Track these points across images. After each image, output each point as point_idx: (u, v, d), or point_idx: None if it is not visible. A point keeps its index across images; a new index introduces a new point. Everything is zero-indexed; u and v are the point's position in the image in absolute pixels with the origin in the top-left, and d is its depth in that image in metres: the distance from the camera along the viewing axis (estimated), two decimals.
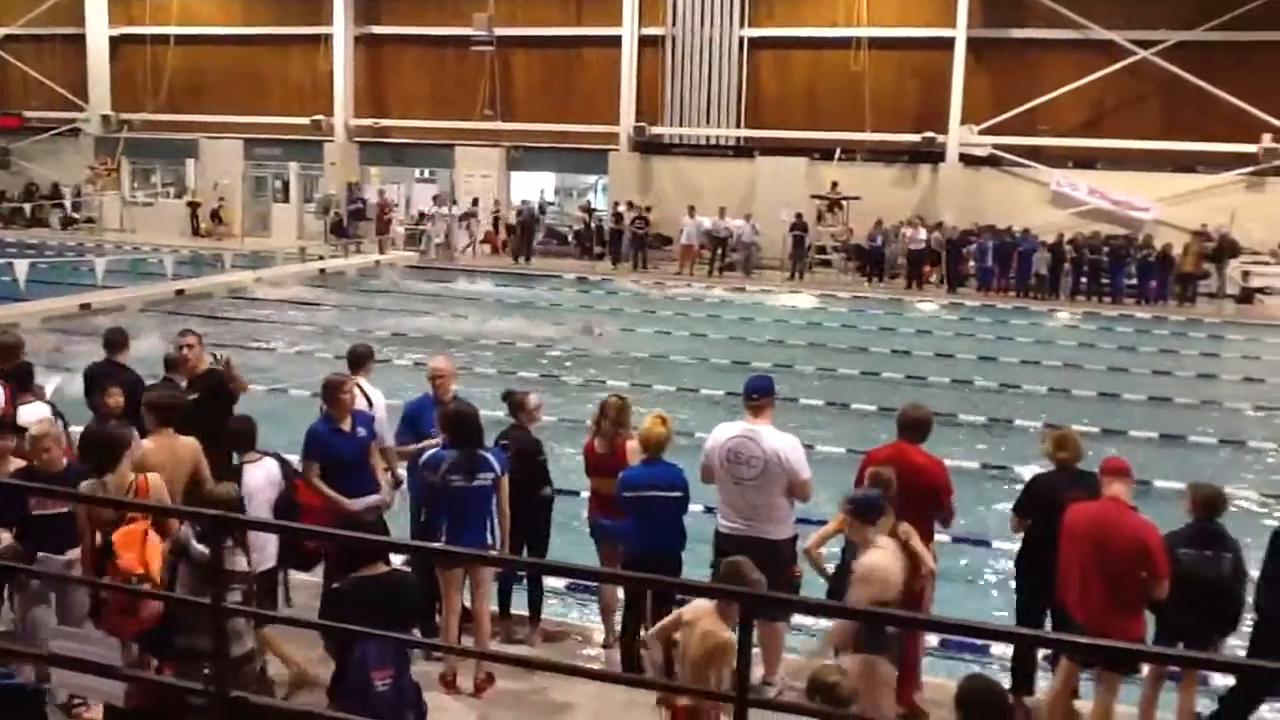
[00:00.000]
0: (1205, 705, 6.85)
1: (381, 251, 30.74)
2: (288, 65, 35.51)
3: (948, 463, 11.86)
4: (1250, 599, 6.53)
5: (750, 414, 7.08)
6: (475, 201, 32.20)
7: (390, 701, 5.18)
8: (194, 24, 35.80)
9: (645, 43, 32.14)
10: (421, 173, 36.50)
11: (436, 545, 6.83)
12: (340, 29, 34.28)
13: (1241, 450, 13.89)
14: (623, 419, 7.65)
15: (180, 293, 23.23)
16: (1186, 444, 14.08)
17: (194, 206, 34.79)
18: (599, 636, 7.96)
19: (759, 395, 7.08)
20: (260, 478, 6.94)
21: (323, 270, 27.71)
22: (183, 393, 8.04)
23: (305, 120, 34.52)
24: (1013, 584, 7.40)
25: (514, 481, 7.28)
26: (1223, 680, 6.99)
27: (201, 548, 5.51)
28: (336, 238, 31.37)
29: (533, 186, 35.80)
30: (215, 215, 34.64)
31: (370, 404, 8.06)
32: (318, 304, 23.35)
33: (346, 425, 7.55)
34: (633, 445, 7.39)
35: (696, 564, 7.21)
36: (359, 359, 8.46)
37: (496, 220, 32.11)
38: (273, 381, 15.51)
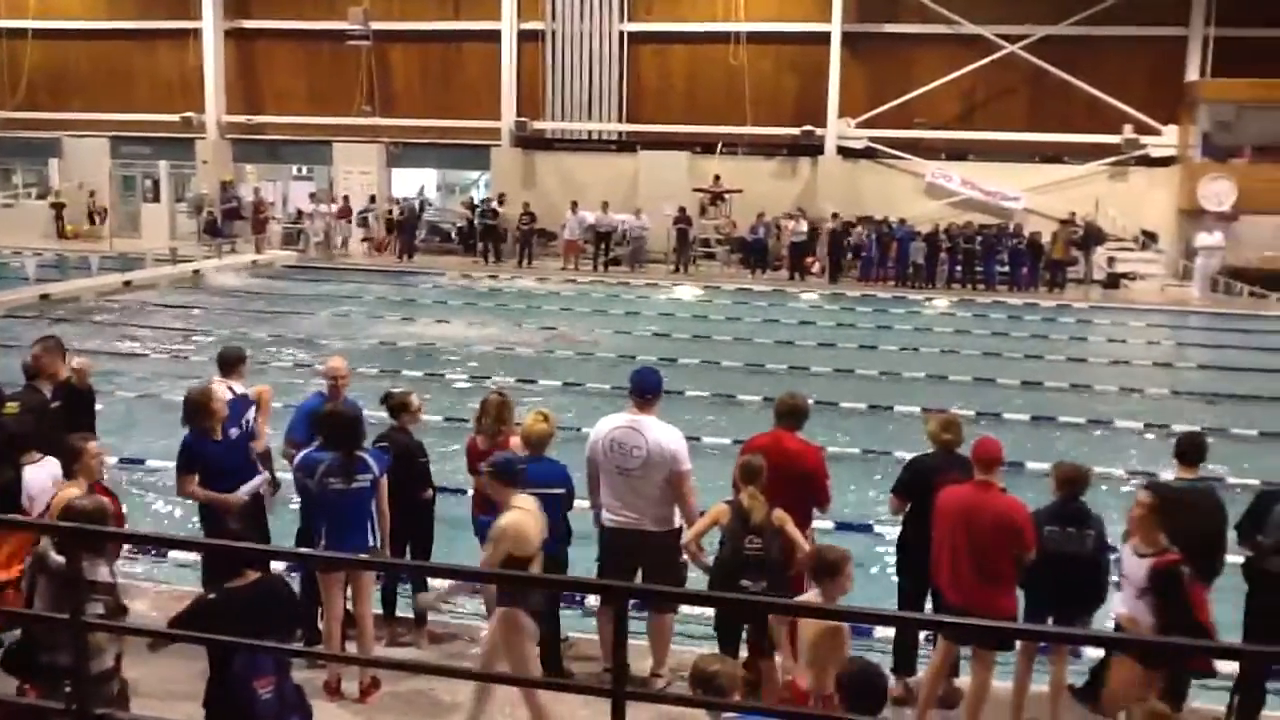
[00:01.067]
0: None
1: (258, 251, 29.99)
2: (155, 60, 34.37)
3: (831, 450, 12.16)
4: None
5: (636, 407, 7.08)
6: (372, 199, 31.67)
7: (274, 709, 5.07)
8: (54, 17, 34.39)
9: (525, 37, 31.97)
10: (299, 170, 35.74)
11: (311, 551, 6.70)
12: (209, 23, 33.31)
13: (1108, 430, 14.40)
14: (505, 416, 7.57)
15: (45, 297, 22.31)
16: (1057, 425, 14.55)
17: (58, 208, 33.41)
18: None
19: (650, 393, 7.09)
20: (42, 477, 6.71)
21: (196, 272, 26.90)
22: (46, 399, 7.77)
23: (175, 117, 33.48)
24: (894, 567, 7.55)
25: (396, 483, 7.17)
26: (1093, 653, 7.24)
27: (59, 558, 5.28)
28: (210, 238, 30.48)
29: (414, 183, 35.35)
30: (92, 216, 33.29)
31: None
32: (191, 306, 22.67)
33: (218, 434, 7.34)
34: (515, 442, 7.32)
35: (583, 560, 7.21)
36: (229, 362, 8.22)
37: (374, 216, 31.56)
38: (144, 387, 15.00)
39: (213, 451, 7.27)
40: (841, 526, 10.27)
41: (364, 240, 31.31)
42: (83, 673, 4.34)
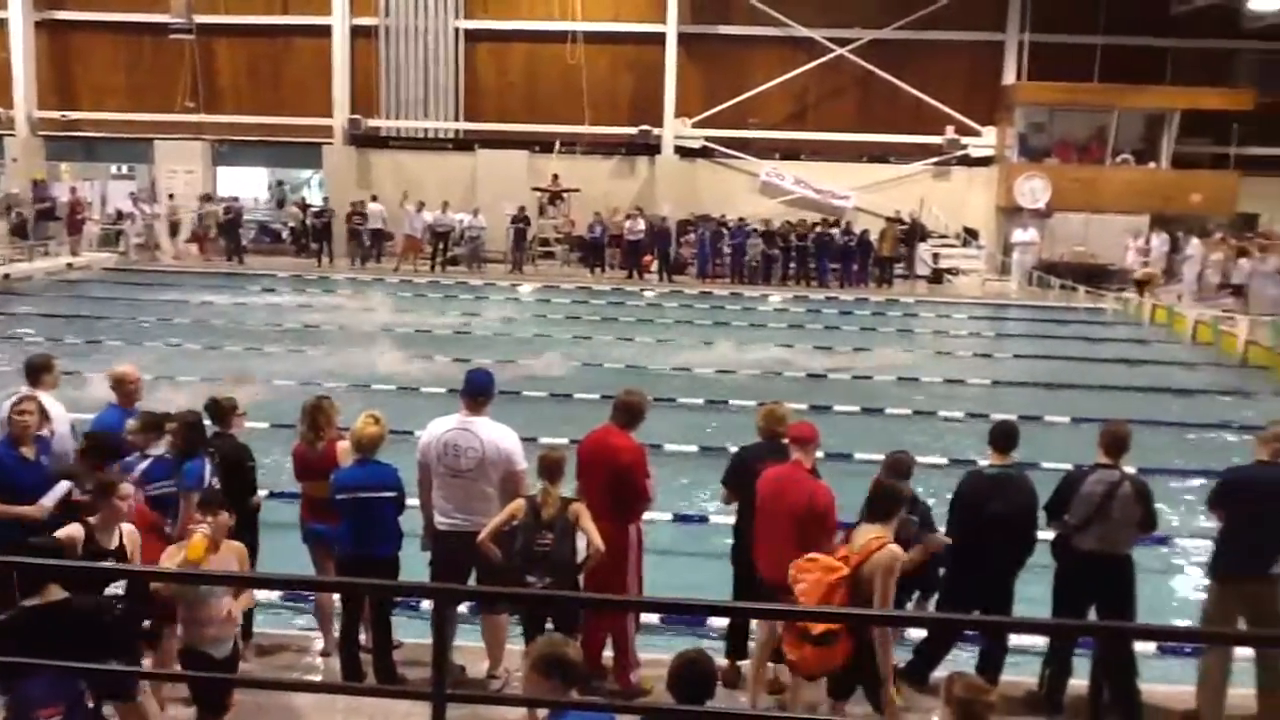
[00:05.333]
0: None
1: (74, 254, 28.53)
2: None
3: (668, 447, 12.36)
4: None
5: (467, 409, 7.02)
6: (206, 198, 30.46)
7: None
8: None
9: (357, 33, 31.32)
10: (118, 169, 34.19)
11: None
12: (17, 13, 31.52)
13: (933, 420, 14.97)
14: (331, 420, 7.41)
15: None
16: (885, 416, 15.05)
17: None
18: (319, 645, 7.69)
19: (481, 395, 7.03)
20: None
21: (6, 275, 25.45)
22: None
23: None
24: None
25: (223, 490, 6.91)
26: (915, 634, 7.53)
27: None
28: (20, 240, 28.86)
29: (243, 182, 34.21)
30: None
31: (49, 419, 7.42)
32: None
33: (30, 452, 6.94)
34: (344, 446, 7.18)
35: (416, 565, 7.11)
36: (36, 370, 7.79)
37: (203, 218, 30.38)
38: None
39: (16, 472, 6.86)
40: (679, 519, 10.46)
41: (189, 241, 30.12)
42: None
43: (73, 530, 5.89)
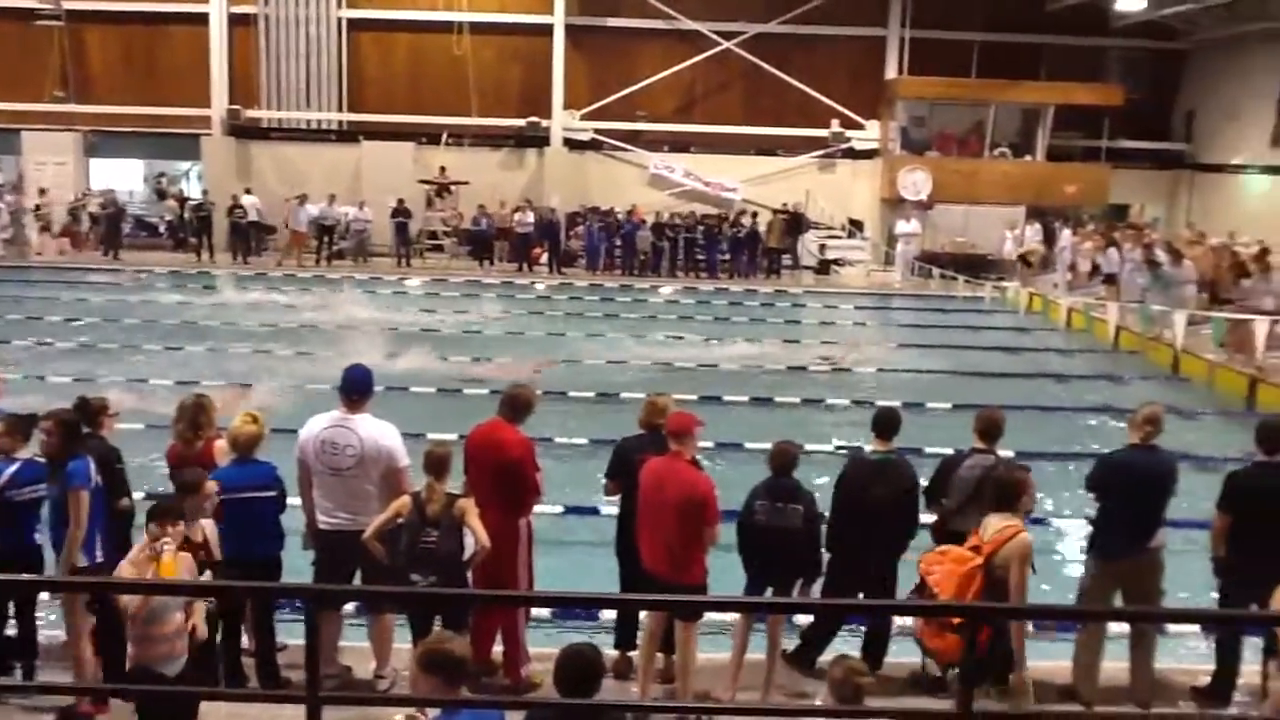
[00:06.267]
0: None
1: None
2: None
3: (559, 440, 12.32)
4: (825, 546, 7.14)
5: (345, 406, 6.89)
6: (85, 192, 29.25)
7: None
8: None
9: (236, 21, 30.47)
10: None
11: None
12: None
13: (819, 408, 15.21)
14: (211, 419, 7.21)
15: None
16: (773, 406, 15.24)
17: None
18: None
19: (359, 392, 6.91)
20: None
21: None
22: None
23: None
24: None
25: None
26: (803, 619, 7.64)
27: None
28: None
29: (117, 174, 33.01)
30: None
31: None
32: None
33: None
34: (221, 445, 7.00)
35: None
36: None
37: (76, 212, 29.30)
38: None
39: None
40: (570, 510, 10.44)
41: (60, 235, 28.96)
42: None
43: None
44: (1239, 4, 25.17)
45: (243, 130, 30.69)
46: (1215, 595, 7.29)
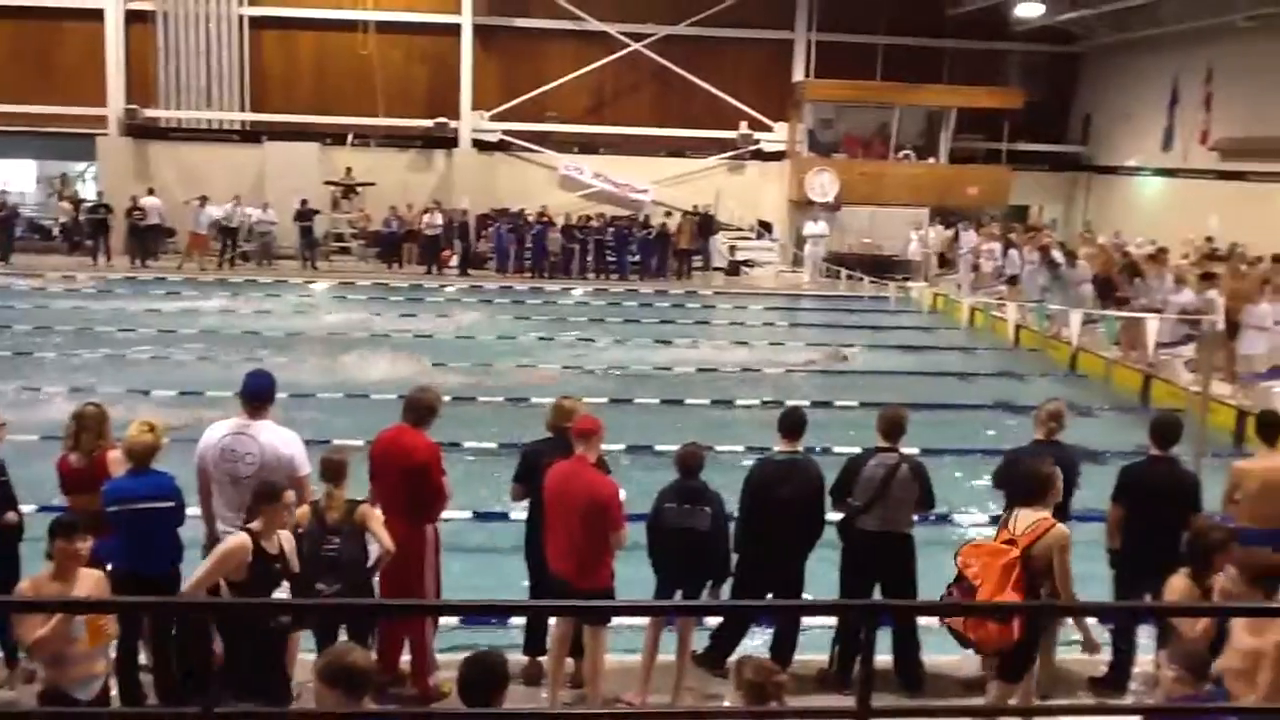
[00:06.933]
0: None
1: None
2: None
3: (467, 444, 12.21)
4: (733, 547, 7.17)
5: (246, 413, 6.74)
6: None
7: None
8: None
9: (133, 18, 29.64)
10: None
11: None
12: None
13: (729, 409, 15.30)
14: (102, 429, 6.99)
15: None
16: (684, 407, 15.29)
17: None
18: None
19: (259, 398, 6.76)
20: None
21: None
22: None
23: None
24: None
25: None
26: (713, 620, 7.68)
27: None
28: None
29: (9, 175, 31.91)
30: None
31: None
32: None
33: None
34: (115, 455, 6.79)
35: None
36: None
37: None
38: None
39: None
40: (479, 515, 10.36)
41: None
42: None
43: (243, 539, 5.85)
44: (1132, 10, 25.94)
45: (141, 130, 29.87)
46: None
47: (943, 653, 7.50)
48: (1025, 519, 6.35)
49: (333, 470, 6.37)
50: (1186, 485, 7.27)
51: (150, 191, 27.88)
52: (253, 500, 6.06)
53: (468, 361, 17.57)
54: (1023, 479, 6.63)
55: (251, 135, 30.15)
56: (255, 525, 5.94)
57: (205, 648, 5.93)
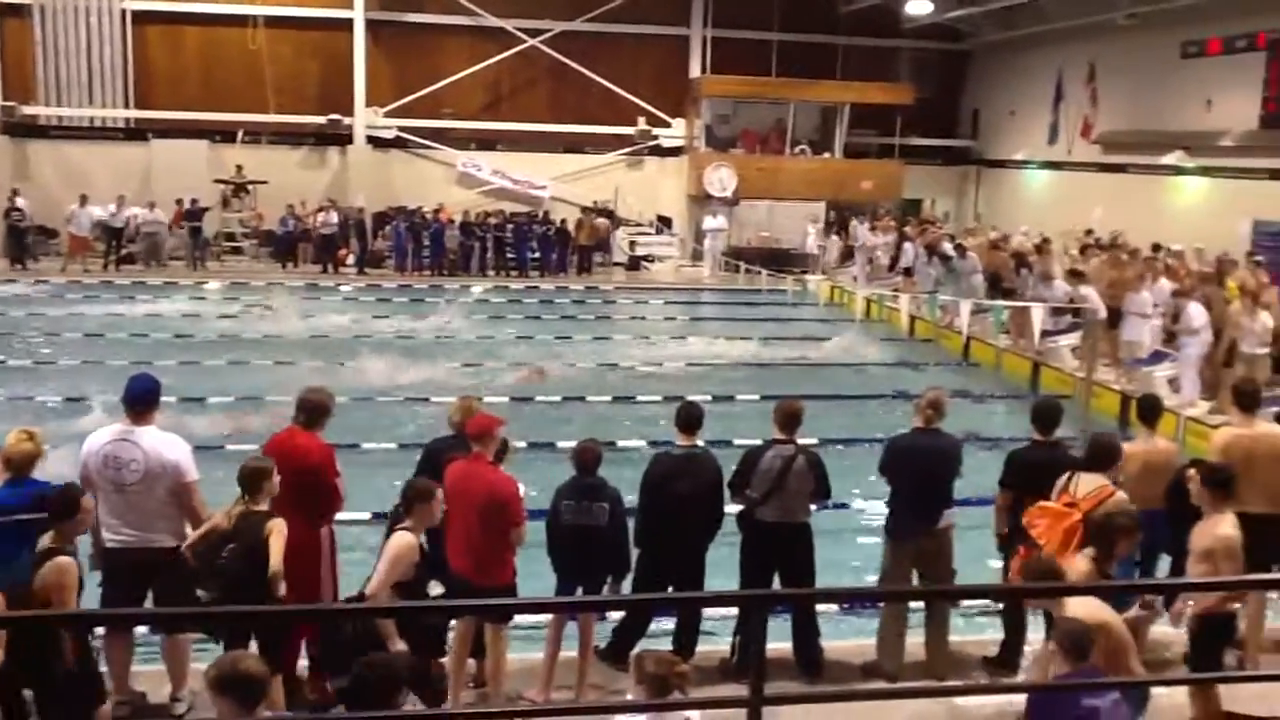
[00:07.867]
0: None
1: None
2: None
3: (365, 444, 12.06)
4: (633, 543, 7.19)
5: (130, 418, 6.54)
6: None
7: None
8: None
9: (8, 11, 28.56)
10: None
11: None
12: None
13: (631, 405, 15.34)
14: None
15: None
16: (585, 403, 15.28)
17: None
18: None
19: (143, 403, 6.56)
20: None
21: None
22: None
23: None
24: None
25: None
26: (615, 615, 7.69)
27: None
28: None
29: None
30: None
31: None
32: None
33: None
34: None
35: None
36: None
37: None
38: None
39: None
40: (377, 516, 10.18)
41: None
42: None
43: (411, 540, 6.00)
44: (1017, 9, 26.64)
45: (19, 128, 28.80)
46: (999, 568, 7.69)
47: (841, 639, 7.63)
48: (1086, 484, 6.66)
49: (244, 478, 6.21)
50: (1069, 468, 7.47)
51: (14, 192, 26.71)
52: (407, 499, 6.17)
53: (379, 363, 17.09)
54: (1092, 447, 7.08)
55: (137, 133, 29.26)
56: (409, 523, 6.03)
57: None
